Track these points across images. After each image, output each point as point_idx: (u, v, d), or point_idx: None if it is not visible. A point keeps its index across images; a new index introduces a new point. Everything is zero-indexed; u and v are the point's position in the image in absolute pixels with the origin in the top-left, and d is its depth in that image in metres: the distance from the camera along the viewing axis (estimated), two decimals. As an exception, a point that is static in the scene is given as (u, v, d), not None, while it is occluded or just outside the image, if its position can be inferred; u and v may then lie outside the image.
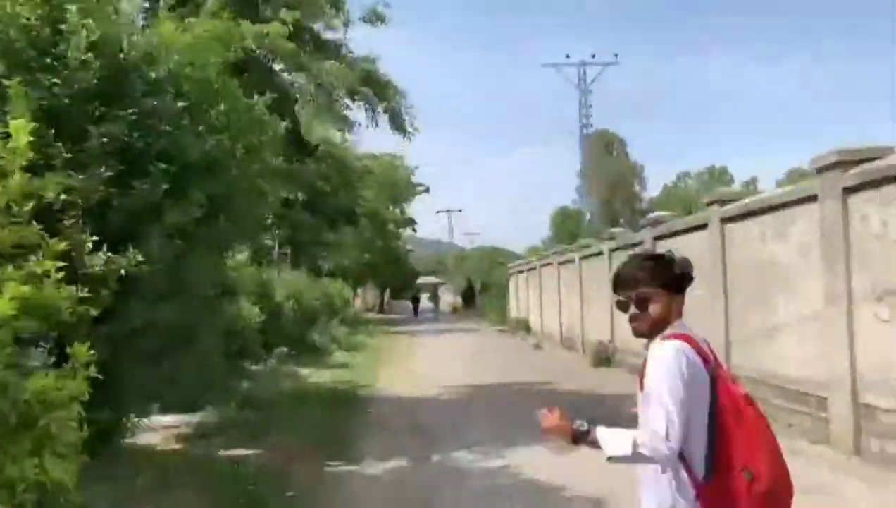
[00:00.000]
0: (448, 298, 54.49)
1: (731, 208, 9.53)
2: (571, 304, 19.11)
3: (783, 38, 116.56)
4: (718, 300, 9.59)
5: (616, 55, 46.03)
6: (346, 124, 13.04)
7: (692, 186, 62.98)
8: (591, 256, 17.25)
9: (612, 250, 15.19)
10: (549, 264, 22.44)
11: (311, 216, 21.20)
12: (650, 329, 2.26)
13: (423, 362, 16.72)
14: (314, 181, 18.64)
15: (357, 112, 12.15)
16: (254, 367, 13.68)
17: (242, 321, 12.79)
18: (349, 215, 21.58)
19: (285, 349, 14.99)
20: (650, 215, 14.59)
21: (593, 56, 41.21)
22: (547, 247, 35.46)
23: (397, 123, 11.52)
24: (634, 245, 13.15)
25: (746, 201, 9.37)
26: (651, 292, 2.26)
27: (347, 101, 11.45)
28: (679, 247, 12.51)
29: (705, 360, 2.18)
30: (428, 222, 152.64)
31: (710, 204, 10.22)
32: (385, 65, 11.77)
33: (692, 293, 2.39)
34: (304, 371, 14.17)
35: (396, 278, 47.38)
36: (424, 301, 49.80)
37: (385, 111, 11.14)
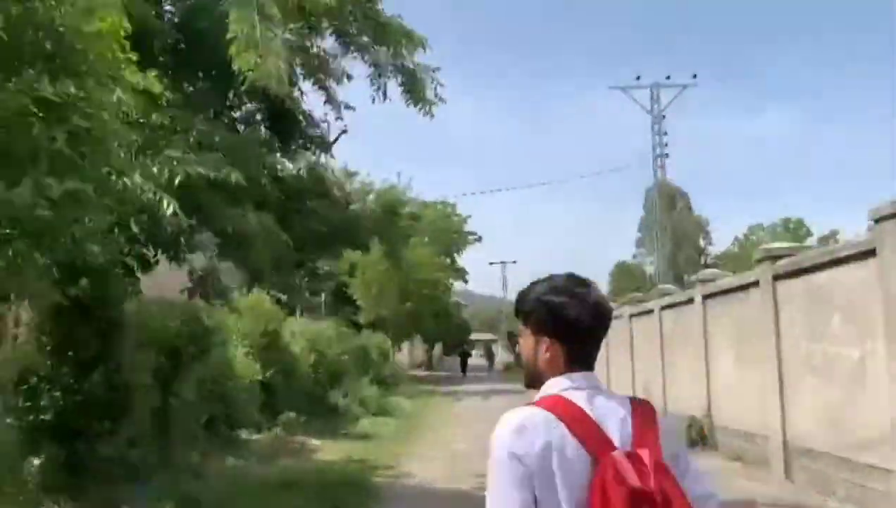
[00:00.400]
0: (502, 355, 51.11)
1: (783, 264, 8.76)
2: (650, 365, 15.81)
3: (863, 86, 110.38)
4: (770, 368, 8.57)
5: (695, 75, 41.30)
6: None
7: (764, 238, 58.68)
8: (641, 314, 16.06)
9: (662, 309, 14.23)
10: (617, 317, 19.19)
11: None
12: (527, 382, 1.73)
13: (465, 432, 13.60)
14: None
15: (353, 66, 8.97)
16: (253, 436, 10.90)
17: (231, 380, 10.07)
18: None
19: (293, 415, 12.14)
20: (703, 271, 14.07)
21: (668, 78, 36.69)
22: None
23: (413, 88, 7.92)
24: (685, 302, 12.71)
25: (798, 256, 8.68)
26: (520, 330, 1.72)
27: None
28: (733, 307, 9.91)
29: (587, 437, 1.49)
30: (481, 275, 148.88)
31: (760, 261, 9.41)
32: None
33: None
34: (315, 443, 11.29)
35: (447, 333, 44.31)
36: (477, 358, 46.62)
37: (396, 70, 8.06)
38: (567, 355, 1.62)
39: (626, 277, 57.20)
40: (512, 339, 42.48)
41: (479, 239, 44.02)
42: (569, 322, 1.59)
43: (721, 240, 63.36)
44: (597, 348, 1.64)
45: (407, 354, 41.30)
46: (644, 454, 1.46)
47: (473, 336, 70.85)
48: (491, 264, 56.79)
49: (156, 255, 7.02)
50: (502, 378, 34.88)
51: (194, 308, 8.47)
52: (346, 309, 25.55)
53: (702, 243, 62.12)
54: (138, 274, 6.92)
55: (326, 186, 13.31)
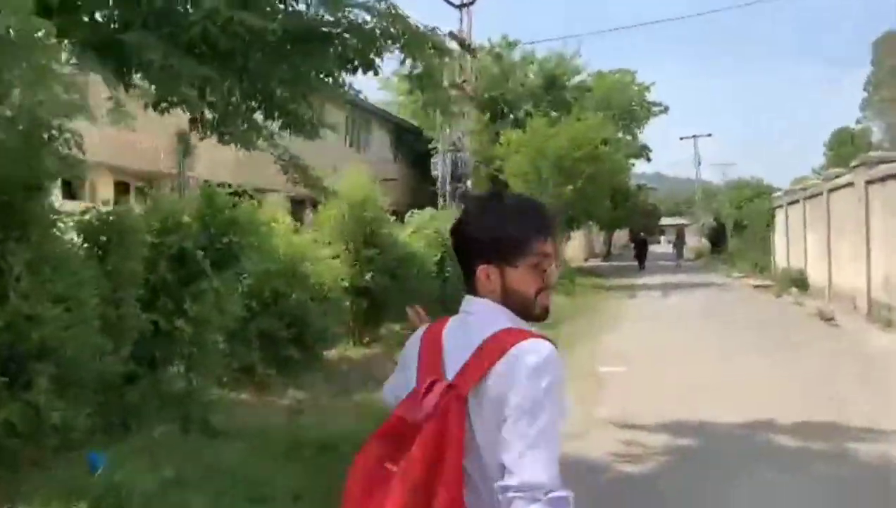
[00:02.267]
0: (693, 241, 45.84)
1: None
2: (893, 248, 11.33)
3: None
4: None
5: None
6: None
7: None
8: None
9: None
10: (846, 185, 14.36)
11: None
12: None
13: (621, 345, 10.46)
14: None
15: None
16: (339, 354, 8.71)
17: (297, 286, 7.71)
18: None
19: (398, 327, 9.71)
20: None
21: None
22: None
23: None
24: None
25: None
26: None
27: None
28: None
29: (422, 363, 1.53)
30: (667, 153, 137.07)
31: None
32: None
33: None
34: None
35: (630, 218, 39.92)
36: (665, 246, 41.91)
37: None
38: None
39: (847, 146, 48.22)
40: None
41: (665, 110, 38.44)
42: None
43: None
44: (464, 265, 1.48)
45: (581, 243, 37.82)
46: (436, 384, 1.37)
47: (665, 221, 65.32)
48: (682, 138, 50.23)
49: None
50: (693, 269, 30.50)
51: (217, 196, 6.02)
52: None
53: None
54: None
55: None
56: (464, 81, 17.91)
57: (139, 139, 13.95)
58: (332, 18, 3.77)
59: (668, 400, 6.90)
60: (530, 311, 1.46)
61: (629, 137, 37.50)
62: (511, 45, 28.27)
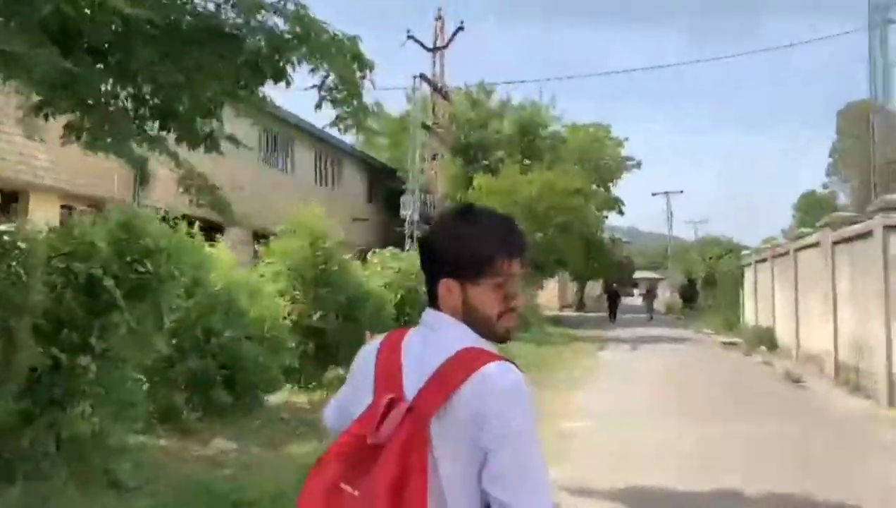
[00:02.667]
0: (666, 296, 45.82)
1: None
2: (860, 310, 11.06)
3: None
4: None
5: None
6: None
7: None
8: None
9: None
10: (813, 245, 14.20)
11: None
12: None
13: (591, 397, 9.96)
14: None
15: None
16: (280, 399, 8.10)
17: (233, 324, 7.12)
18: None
19: (343, 371, 9.14)
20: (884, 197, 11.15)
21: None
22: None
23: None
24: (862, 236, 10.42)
25: None
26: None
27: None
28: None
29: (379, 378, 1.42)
30: (641, 208, 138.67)
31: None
32: None
33: None
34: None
35: (603, 271, 39.78)
36: (638, 299, 41.75)
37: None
38: None
39: (815, 209, 49.02)
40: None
41: (638, 165, 38.79)
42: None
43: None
44: (429, 278, 1.41)
45: (554, 292, 37.53)
46: (397, 405, 1.28)
47: (638, 275, 65.56)
48: (654, 194, 50.73)
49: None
50: (663, 324, 30.27)
51: (137, 220, 5.47)
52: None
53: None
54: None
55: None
56: (436, 124, 17.68)
57: (93, 163, 13.42)
58: (239, 20, 3.34)
59: (631, 464, 6.40)
60: (492, 331, 1.38)
61: (602, 190, 37.75)
62: (487, 91, 28.34)
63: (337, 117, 3.83)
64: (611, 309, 30.61)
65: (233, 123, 18.66)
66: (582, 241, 26.67)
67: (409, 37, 17.52)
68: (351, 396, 1.44)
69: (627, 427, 8.04)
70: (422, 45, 18.36)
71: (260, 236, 18.54)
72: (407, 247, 16.17)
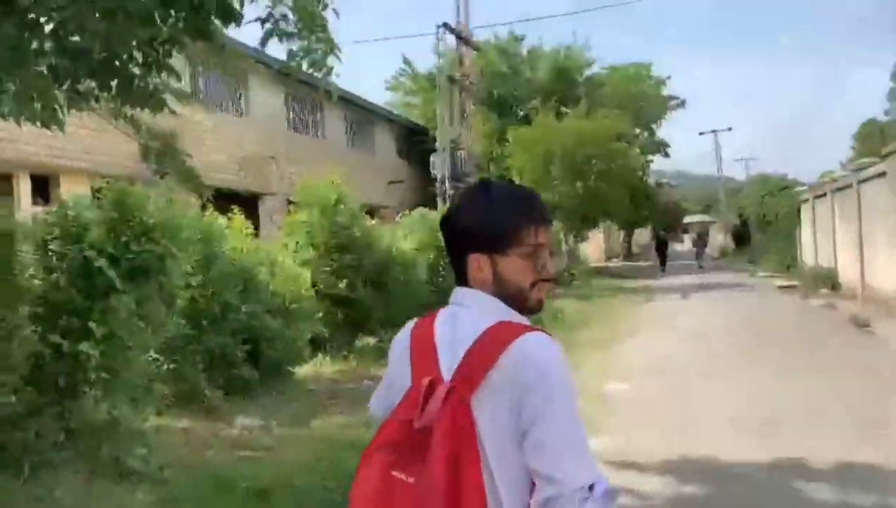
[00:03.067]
0: (718, 239, 44.34)
1: None
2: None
3: None
4: None
5: None
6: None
7: None
8: None
9: None
10: (878, 175, 13.16)
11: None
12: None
13: (635, 353, 9.43)
14: None
15: None
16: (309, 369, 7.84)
17: (253, 297, 6.83)
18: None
19: (372, 340, 8.80)
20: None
21: None
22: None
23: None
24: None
25: None
26: None
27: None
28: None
29: (416, 361, 1.41)
30: (689, 149, 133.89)
31: None
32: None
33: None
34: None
35: (650, 217, 38.54)
36: (689, 244, 40.45)
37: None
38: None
39: (876, 138, 46.45)
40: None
41: (683, 104, 37.19)
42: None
43: None
44: (455, 257, 1.41)
45: (600, 243, 36.60)
46: (439, 386, 1.27)
47: (689, 219, 63.71)
48: (701, 133, 48.80)
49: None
50: (716, 268, 29.20)
51: (130, 197, 5.15)
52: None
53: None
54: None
55: None
56: (464, 76, 16.96)
57: (120, 141, 13.29)
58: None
59: (679, 430, 5.90)
60: (524, 303, 1.38)
61: (646, 133, 36.36)
62: (518, 39, 27.28)
63: (290, 54, 3.36)
64: (660, 258, 29.55)
65: (257, 89, 18.22)
66: (626, 188, 25.69)
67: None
68: (392, 384, 1.42)
69: (675, 388, 7.51)
70: (445, -7, 17.52)
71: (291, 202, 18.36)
72: (439, 206, 15.69)
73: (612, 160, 19.76)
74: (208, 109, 15.77)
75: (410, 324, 1.44)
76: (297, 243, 8.56)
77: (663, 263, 29.15)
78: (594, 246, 34.79)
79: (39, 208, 10.47)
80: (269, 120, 17.77)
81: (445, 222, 1.42)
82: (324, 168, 19.51)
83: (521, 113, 24.91)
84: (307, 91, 19.23)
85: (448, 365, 1.29)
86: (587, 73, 28.43)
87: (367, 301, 8.87)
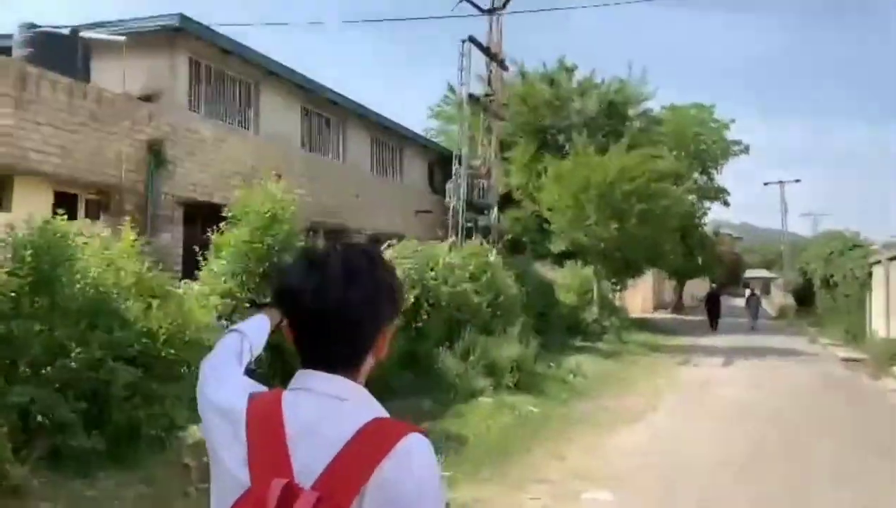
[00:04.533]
0: (778, 297, 41.04)
1: None
2: None
3: None
4: None
5: None
6: None
7: None
8: None
9: None
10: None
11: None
12: None
13: (649, 439, 7.28)
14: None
15: None
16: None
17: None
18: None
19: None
20: None
21: None
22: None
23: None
24: None
25: None
26: None
27: None
28: None
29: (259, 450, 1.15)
30: (753, 200, 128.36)
31: None
32: None
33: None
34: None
35: (706, 268, 35.70)
36: (739, 302, 37.38)
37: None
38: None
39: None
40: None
41: (746, 150, 34.73)
42: (282, 297, 1.22)
43: None
44: (326, 340, 1.17)
45: (646, 292, 33.93)
46: (301, 494, 1.04)
47: (749, 274, 60.62)
48: (766, 184, 45.60)
49: None
50: (772, 329, 26.29)
51: None
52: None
53: None
54: None
55: None
56: (487, 95, 15.23)
57: (95, 144, 12.00)
58: None
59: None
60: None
61: (704, 178, 33.86)
62: (568, 69, 25.41)
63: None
64: (710, 314, 26.54)
65: (272, 101, 16.74)
66: (675, 233, 23.28)
67: (462, -2, 15.18)
68: (218, 464, 1.15)
69: (681, 505, 5.39)
70: (475, 5, 15.92)
71: (309, 231, 16.81)
72: (451, 239, 13.83)
73: (655, 200, 17.53)
74: (208, 119, 14.50)
75: (238, 389, 1.18)
76: (219, 272, 6.83)
77: (714, 319, 26.29)
78: (640, 295, 32.22)
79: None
80: (281, 137, 16.38)
81: (322, 298, 1.14)
82: (341, 193, 18.15)
83: (564, 146, 22.99)
84: (328, 107, 17.92)
85: (303, 466, 1.07)
86: (642, 107, 26.32)
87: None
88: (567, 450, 6.57)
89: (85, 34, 13.08)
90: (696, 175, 32.75)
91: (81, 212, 12.32)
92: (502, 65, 16.91)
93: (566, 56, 27.15)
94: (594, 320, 17.41)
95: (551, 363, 11.57)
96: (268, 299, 1.67)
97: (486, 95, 15.89)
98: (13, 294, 4.73)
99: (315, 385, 1.14)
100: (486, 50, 15.19)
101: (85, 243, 5.36)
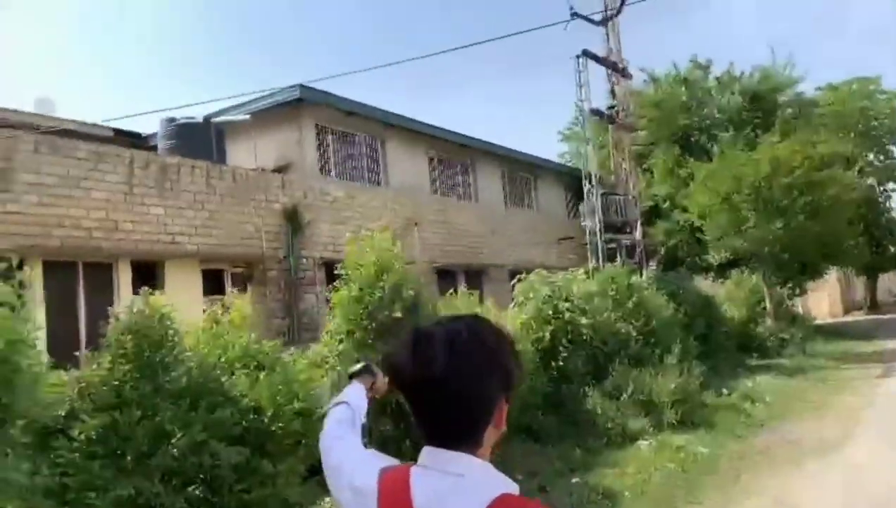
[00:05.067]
0: None
1: None
2: None
3: None
4: None
5: None
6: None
7: None
8: None
9: None
10: None
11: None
12: None
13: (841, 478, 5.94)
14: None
15: None
16: None
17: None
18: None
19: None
20: None
21: None
22: None
23: None
24: None
25: None
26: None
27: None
28: None
29: None
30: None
31: None
32: None
33: None
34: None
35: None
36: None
37: None
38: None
39: None
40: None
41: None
42: (393, 373, 1.25)
43: None
44: (437, 414, 1.19)
45: (832, 294, 30.26)
46: None
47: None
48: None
49: None
50: None
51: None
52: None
53: None
54: None
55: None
56: (612, 108, 14.29)
57: (235, 220, 12.55)
58: None
59: None
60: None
61: (881, 158, 29.92)
62: (702, 67, 23.64)
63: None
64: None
65: (398, 152, 16.90)
66: (858, 223, 20.50)
67: (574, 15, 14.50)
68: None
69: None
70: (588, 20, 15.14)
71: (442, 272, 16.67)
72: (591, 264, 12.91)
73: (821, 190, 15.45)
74: (338, 179, 14.85)
75: (368, 466, 1.27)
76: (331, 329, 6.56)
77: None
78: (826, 299, 28.83)
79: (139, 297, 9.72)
80: (411, 186, 16.42)
81: (423, 366, 1.17)
82: (476, 233, 17.84)
83: (708, 147, 21.24)
84: (454, 149, 17.81)
85: None
86: (793, 92, 23.85)
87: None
88: (744, 501, 5.48)
89: (215, 119, 13.91)
90: (870, 156, 29.11)
91: (228, 285, 12.94)
92: (624, 74, 15.90)
93: (697, 55, 25.42)
94: (770, 333, 15.51)
95: (723, 390, 10.24)
96: (357, 368, 1.75)
97: (611, 108, 14.94)
98: (116, 383, 4.65)
99: (439, 462, 1.17)
100: (604, 61, 14.35)
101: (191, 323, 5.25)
